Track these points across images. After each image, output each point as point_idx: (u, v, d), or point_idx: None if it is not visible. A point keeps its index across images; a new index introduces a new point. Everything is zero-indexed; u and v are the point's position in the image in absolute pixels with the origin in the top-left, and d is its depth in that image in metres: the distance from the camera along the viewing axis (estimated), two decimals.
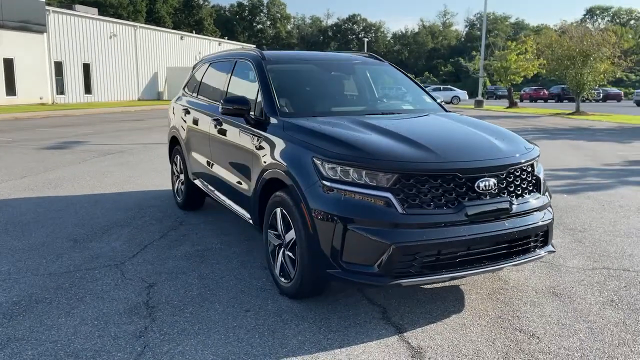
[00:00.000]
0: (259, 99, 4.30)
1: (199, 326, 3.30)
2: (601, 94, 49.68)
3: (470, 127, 3.99)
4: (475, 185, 3.24)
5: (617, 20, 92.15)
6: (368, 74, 5.12)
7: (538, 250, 3.54)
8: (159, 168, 9.13)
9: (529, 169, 3.56)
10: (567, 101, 47.96)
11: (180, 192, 6.17)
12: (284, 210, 3.63)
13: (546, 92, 54.52)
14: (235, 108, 4.24)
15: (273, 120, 4.04)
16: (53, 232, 5.27)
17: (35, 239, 5.03)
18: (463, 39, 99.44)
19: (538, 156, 3.69)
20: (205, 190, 5.38)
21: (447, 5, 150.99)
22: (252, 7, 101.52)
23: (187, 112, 5.81)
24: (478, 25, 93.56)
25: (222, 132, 4.75)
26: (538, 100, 53.88)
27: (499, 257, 3.34)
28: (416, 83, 5.20)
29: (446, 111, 4.73)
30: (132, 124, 19.11)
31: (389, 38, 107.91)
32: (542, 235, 3.55)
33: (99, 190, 7.27)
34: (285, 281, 3.69)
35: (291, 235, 3.54)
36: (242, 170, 4.33)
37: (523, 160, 3.50)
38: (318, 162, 3.31)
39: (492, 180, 3.29)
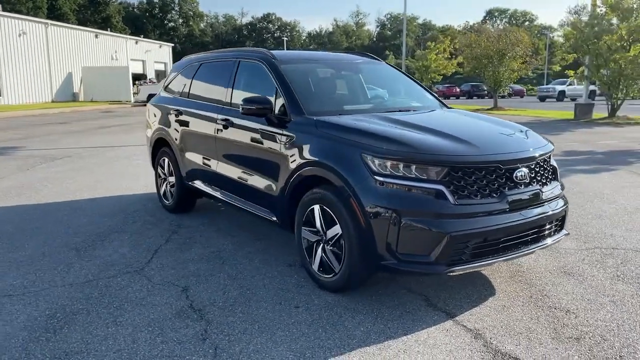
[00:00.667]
0: (279, 98, 4.34)
1: (259, 325, 3.32)
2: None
3: (488, 122, 4.27)
4: (514, 175, 3.50)
5: (514, 22, 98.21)
6: (372, 73, 5.29)
7: (558, 234, 3.87)
8: (122, 172, 8.81)
9: (549, 160, 3.89)
10: (476, 98, 50.74)
11: (169, 194, 6.03)
12: (324, 207, 3.71)
13: (458, 89, 57.15)
14: (257, 108, 4.25)
15: (299, 119, 4.10)
16: (47, 242, 5.00)
17: (32, 250, 4.76)
18: (375, 39, 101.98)
19: (553, 149, 4.03)
20: (207, 191, 5.31)
21: (359, 5, 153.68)
22: (163, 5, 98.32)
23: (179, 113, 5.69)
24: (389, 26, 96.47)
25: (234, 133, 4.73)
26: (450, 97, 56.45)
27: (532, 241, 3.63)
28: (414, 80, 5.44)
29: (447, 107, 5.01)
30: (61, 127, 18.08)
31: (304, 37, 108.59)
32: (561, 220, 3.89)
33: (69, 197, 6.92)
34: (327, 276, 3.77)
35: (335, 230, 3.63)
36: (265, 170, 4.35)
37: (546, 152, 3.81)
38: (368, 159, 3.43)
39: (525, 170, 3.57)
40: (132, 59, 51.15)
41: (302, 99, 4.27)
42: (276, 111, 4.28)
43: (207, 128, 5.13)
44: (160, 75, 53.19)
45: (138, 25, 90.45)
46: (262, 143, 4.37)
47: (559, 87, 40.51)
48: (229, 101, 4.96)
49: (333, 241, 3.69)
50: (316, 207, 3.80)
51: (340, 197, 3.56)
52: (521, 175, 3.53)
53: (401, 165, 3.35)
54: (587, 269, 4.25)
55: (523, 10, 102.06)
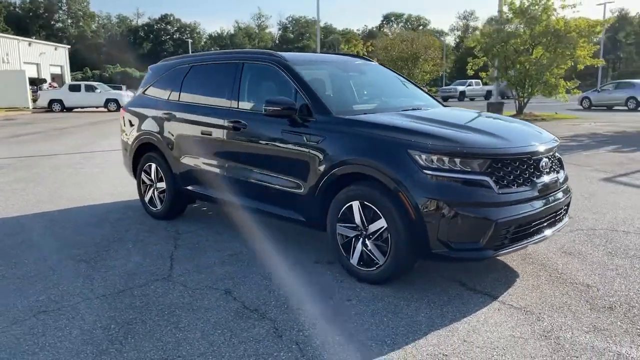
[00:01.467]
0: (298, 99, 4.42)
1: (324, 319, 3.41)
2: None
3: (500, 119, 4.63)
4: (540, 165, 3.86)
5: (409, 26, 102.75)
6: (373, 73, 5.50)
7: (566, 218, 4.31)
8: (75, 181, 8.35)
9: (557, 151, 4.31)
10: None
11: (157, 201, 5.86)
12: (365, 203, 3.86)
13: None
14: (283, 109, 4.30)
15: (326, 119, 4.22)
16: (46, 255, 4.71)
17: (35, 265, 4.47)
18: (278, 42, 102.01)
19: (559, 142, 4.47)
20: (209, 195, 5.25)
21: (261, 7, 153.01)
22: (49, 4, 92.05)
23: (171, 117, 5.57)
24: (291, 28, 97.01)
25: (248, 134, 4.74)
26: None
27: (551, 225, 4.02)
28: (407, 79, 5.72)
29: (444, 105, 5.34)
30: None
31: (205, 39, 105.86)
32: (568, 205, 4.33)
33: (34, 210, 6.48)
34: (369, 269, 3.92)
35: (379, 224, 3.80)
36: (289, 170, 4.40)
37: (556, 144, 4.22)
38: (415, 154, 3.63)
39: (547, 160, 3.95)
40: (25, 62, 47.58)
41: (325, 99, 4.39)
42: (301, 112, 4.36)
43: (210, 131, 5.08)
44: (56, 79, 49.98)
45: (22, 25, 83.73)
46: (285, 144, 4.42)
47: (460, 88, 43.16)
48: (236, 103, 4.95)
49: (376, 235, 3.84)
50: (355, 204, 3.94)
51: (386, 192, 3.73)
52: (544, 165, 3.90)
53: (447, 160, 3.59)
54: (582, 249, 4.73)
55: (417, 15, 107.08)
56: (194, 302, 3.69)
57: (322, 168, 4.13)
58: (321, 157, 4.13)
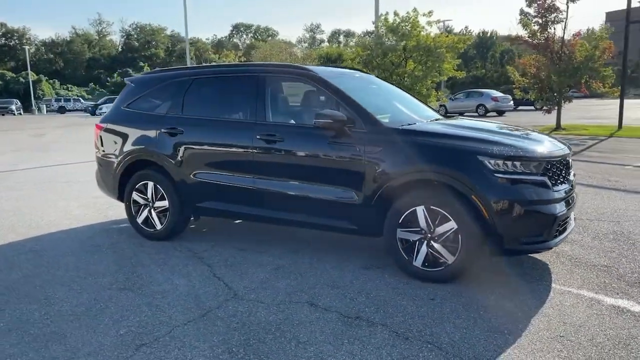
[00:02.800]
0: (342, 111, 4.55)
1: (434, 319, 3.61)
2: None
3: (515, 128, 5.18)
4: (569, 165, 4.47)
5: (259, 37, 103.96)
6: (382, 86, 5.76)
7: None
8: (32, 204, 7.43)
9: None
10: None
11: (155, 221, 5.53)
12: (431, 207, 4.14)
13: None
14: (334, 122, 4.41)
15: (379, 130, 4.43)
16: (79, 288, 4.29)
17: (76, 299, 4.05)
18: (122, 49, 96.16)
19: None
20: (232, 210, 5.14)
21: (101, 13, 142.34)
22: None
23: (176, 131, 5.32)
24: (135, 36, 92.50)
25: (289, 148, 4.76)
26: None
27: (572, 218, 4.64)
28: (403, 90, 6.09)
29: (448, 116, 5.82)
30: None
31: (36, 45, 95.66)
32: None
33: (11, 238, 5.76)
34: (435, 269, 4.20)
35: (448, 226, 4.09)
36: (342, 181, 4.50)
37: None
38: (485, 160, 4.00)
39: (570, 161, 4.57)
40: None
41: (371, 111, 4.58)
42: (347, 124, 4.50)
43: (235, 145, 5.00)
44: None
45: None
46: (334, 155, 4.53)
47: None
48: (265, 117, 4.94)
49: (444, 237, 4.14)
50: (419, 208, 4.20)
51: (457, 196, 4.05)
52: (571, 165, 4.52)
53: (510, 164, 4.01)
54: (575, 237, 5.46)
55: (265, 25, 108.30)
56: (291, 317, 3.66)
57: (382, 176, 4.32)
58: (381, 166, 4.32)
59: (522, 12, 19.43)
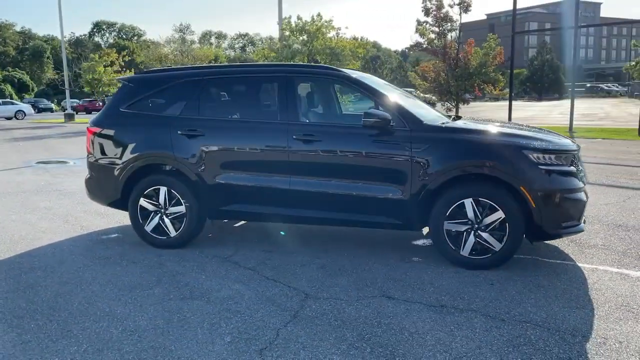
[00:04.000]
0: (373, 111, 4.70)
1: (495, 302, 3.92)
2: None
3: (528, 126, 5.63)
4: (579, 159, 5.04)
5: (123, 35, 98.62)
6: (392, 86, 5.96)
7: None
8: (19, 219, 6.56)
9: None
10: None
11: (169, 228, 5.24)
12: (479, 199, 4.47)
13: (100, 103, 55.50)
14: (383, 120, 4.57)
15: (423, 127, 4.67)
16: (133, 303, 3.99)
17: (141, 313, 3.79)
18: None
19: None
20: (265, 213, 5.07)
21: None
22: None
23: (195, 133, 5.10)
24: None
25: (328, 148, 4.82)
26: (93, 112, 54.30)
27: None
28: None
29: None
30: None
31: None
32: None
33: (14, 250, 5.12)
34: (482, 257, 4.53)
35: (496, 216, 4.42)
36: (388, 178, 4.66)
37: None
38: (529, 154, 4.40)
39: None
40: None
41: (411, 110, 4.80)
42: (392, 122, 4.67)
43: (269, 146, 4.96)
44: None
45: None
46: (379, 153, 4.68)
47: None
48: (297, 117, 4.96)
49: (491, 226, 4.47)
50: (467, 201, 4.50)
51: (505, 187, 4.41)
52: (580, 158, 5.10)
53: (547, 157, 4.46)
54: None
55: (130, 24, 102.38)
56: (381, 311, 3.77)
57: (430, 172, 4.55)
58: (428, 162, 4.55)
59: (419, 22, 20.84)
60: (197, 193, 5.18)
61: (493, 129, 4.83)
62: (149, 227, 5.33)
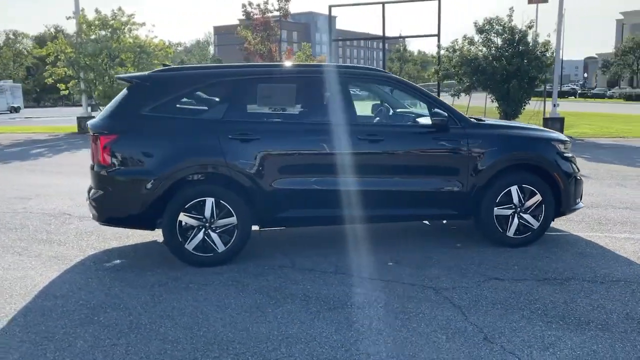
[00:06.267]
0: (438, 110, 5.07)
1: (576, 268, 4.71)
2: None
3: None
4: None
5: None
6: None
7: None
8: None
9: None
10: None
11: (217, 242, 4.72)
12: (523, 185, 5.17)
13: None
14: (448, 118, 4.96)
15: (471, 125, 5.19)
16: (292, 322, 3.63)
17: (322, 327, 3.50)
18: None
19: None
20: (326, 216, 4.98)
21: None
22: None
23: (249, 137, 4.71)
24: None
25: (392, 147, 5.02)
26: None
27: None
28: None
29: None
30: None
31: None
32: None
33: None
34: (524, 235, 5.25)
35: (536, 199, 5.18)
36: (450, 172, 5.07)
37: None
38: (556, 144, 5.30)
39: None
40: None
41: (457, 110, 5.25)
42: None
43: (333, 148, 4.89)
44: None
45: None
46: (440, 149, 5.07)
47: None
48: (355, 118, 5.04)
49: (531, 208, 5.22)
50: (513, 188, 5.17)
51: (542, 173, 5.21)
52: None
53: (563, 146, 5.42)
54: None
55: None
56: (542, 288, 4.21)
57: (485, 165, 5.09)
58: (483, 156, 5.09)
59: (240, 26, 20.99)
60: (250, 201, 4.79)
61: (521, 125, 5.60)
62: (190, 245, 4.72)
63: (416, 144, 5.09)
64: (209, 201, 4.71)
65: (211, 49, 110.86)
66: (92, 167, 4.84)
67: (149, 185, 4.62)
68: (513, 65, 16.79)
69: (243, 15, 20.20)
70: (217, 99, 4.92)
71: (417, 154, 5.11)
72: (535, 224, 5.26)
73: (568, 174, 5.32)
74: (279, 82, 5.14)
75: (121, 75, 5.18)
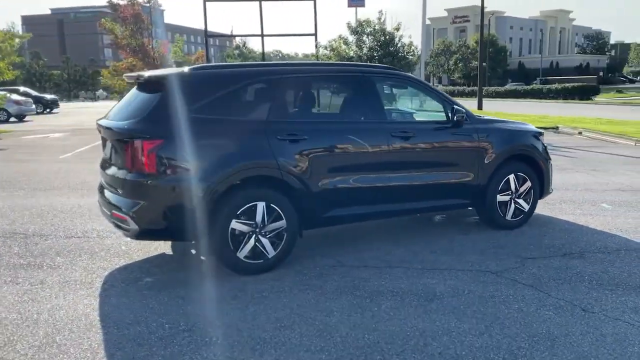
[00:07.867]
0: (458, 107, 5.46)
1: (581, 243, 5.46)
2: None
3: None
4: None
5: None
6: None
7: None
8: None
9: None
10: None
11: (268, 248, 4.55)
12: (518, 174, 5.81)
13: None
14: (466, 115, 5.36)
15: (477, 120, 5.70)
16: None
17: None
18: None
19: None
20: (364, 213, 5.06)
21: None
22: None
23: (297, 137, 4.61)
24: None
25: (421, 142, 5.27)
26: None
27: None
28: None
29: None
30: None
31: None
32: None
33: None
34: (517, 218, 5.89)
35: (527, 185, 5.87)
36: (465, 163, 5.48)
37: None
38: (538, 136, 6.05)
39: None
40: None
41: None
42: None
43: (372, 145, 4.99)
44: None
45: None
46: (459, 143, 5.48)
47: None
48: (385, 116, 5.22)
49: (524, 193, 5.88)
50: (511, 177, 5.79)
51: (531, 163, 5.89)
52: None
53: (541, 137, 6.18)
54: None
55: None
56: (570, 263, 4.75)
57: (492, 155, 5.61)
58: (491, 148, 5.60)
59: (105, 19, 19.24)
60: (298, 203, 4.69)
61: (509, 120, 6.22)
62: (242, 254, 4.49)
63: (439, 138, 5.43)
64: (260, 205, 4.51)
65: (17, 40, 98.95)
66: (124, 177, 4.33)
67: (200, 193, 4.28)
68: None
69: (108, 6, 18.59)
70: (259, 99, 4.71)
71: (441, 148, 5.44)
72: (527, 207, 5.93)
73: (548, 161, 6.08)
74: (313, 82, 5.10)
75: (148, 74, 4.61)
